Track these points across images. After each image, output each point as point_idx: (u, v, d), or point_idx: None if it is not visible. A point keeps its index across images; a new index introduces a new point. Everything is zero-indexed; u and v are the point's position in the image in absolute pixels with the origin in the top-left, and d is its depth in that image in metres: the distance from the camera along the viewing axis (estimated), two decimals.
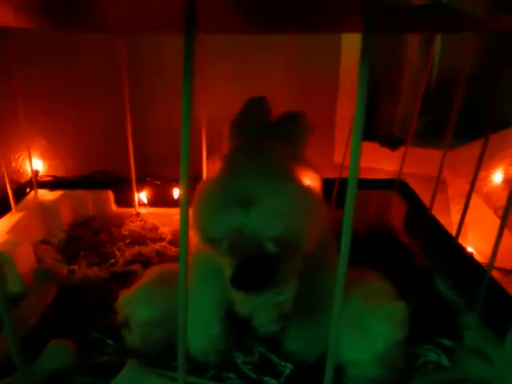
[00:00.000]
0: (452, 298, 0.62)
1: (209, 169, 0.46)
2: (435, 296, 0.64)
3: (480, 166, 0.67)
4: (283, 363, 0.51)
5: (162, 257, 0.75)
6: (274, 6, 0.28)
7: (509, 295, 0.55)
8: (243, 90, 1.10)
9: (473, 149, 0.88)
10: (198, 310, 0.50)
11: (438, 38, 1.00)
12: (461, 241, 0.92)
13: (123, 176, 0.88)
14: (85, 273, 0.70)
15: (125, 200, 0.89)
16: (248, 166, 0.41)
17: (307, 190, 0.42)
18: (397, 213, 0.85)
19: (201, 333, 0.50)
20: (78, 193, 0.87)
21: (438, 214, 0.83)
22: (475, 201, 0.98)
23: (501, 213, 0.53)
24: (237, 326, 0.52)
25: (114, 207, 0.90)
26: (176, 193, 0.89)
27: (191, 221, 0.42)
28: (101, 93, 0.73)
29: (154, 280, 0.53)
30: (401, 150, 0.95)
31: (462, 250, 0.66)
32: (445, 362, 0.52)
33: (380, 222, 0.87)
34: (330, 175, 1.00)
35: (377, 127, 1.01)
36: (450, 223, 1.00)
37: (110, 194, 0.90)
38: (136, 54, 1.04)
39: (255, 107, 0.51)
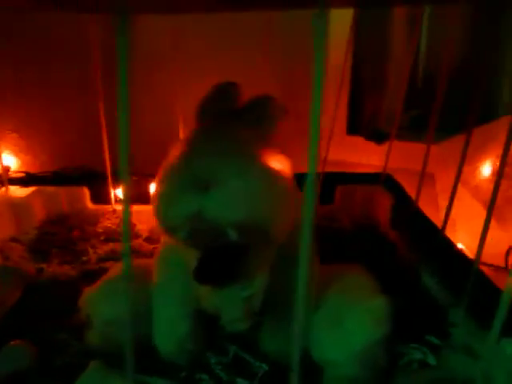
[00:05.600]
0: (439, 294, 0.59)
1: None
2: (422, 292, 0.61)
3: (464, 159, 0.65)
4: (258, 363, 0.47)
5: (136, 254, 0.71)
6: None
7: (497, 289, 0.52)
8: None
9: (461, 142, 0.86)
10: (164, 307, 0.47)
11: (424, 29, 0.98)
12: (450, 237, 0.90)
13: (100, 172, 0.84)
14: (54, 271, 0.67)
15: (101, 197, 0.86)
16: (208, 147, 0.38)
17: (274, 174, 0.38)
18: (383, 207, 0.82)
19: (168, 332, 0.47)
20: (51, 189, 0.83)
21: (425, 209, 0.79)
22: (464, 195, 0.95)
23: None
24: (209, 325, 0.49)
25: (89, 204, 0.87)
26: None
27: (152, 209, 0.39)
28: (75, 86, 0.69)
29: (117, 276, 0.50)
30: (388, 145, 0.93)
31: (448, 243, 0.63)
32: (431, 360, 0.49)
33: (366, 217, 0.84)
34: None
35: (362, 121, 0.97)
36: (439, 219, 0.97)
37: (86, 191, 0.86)
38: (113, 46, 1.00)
39: (224, 91, 0.48)
